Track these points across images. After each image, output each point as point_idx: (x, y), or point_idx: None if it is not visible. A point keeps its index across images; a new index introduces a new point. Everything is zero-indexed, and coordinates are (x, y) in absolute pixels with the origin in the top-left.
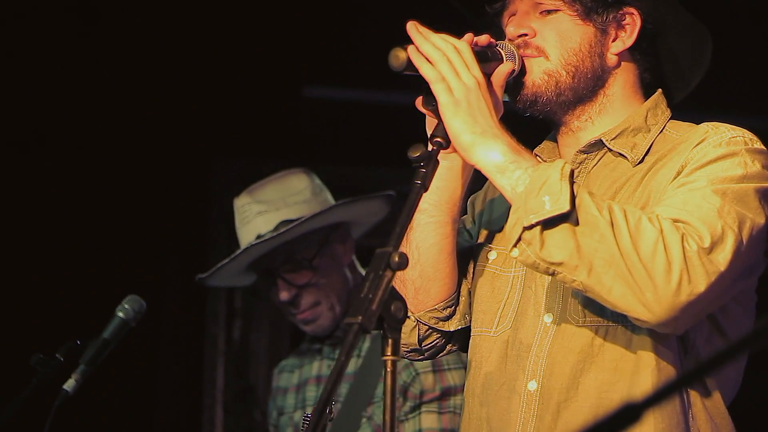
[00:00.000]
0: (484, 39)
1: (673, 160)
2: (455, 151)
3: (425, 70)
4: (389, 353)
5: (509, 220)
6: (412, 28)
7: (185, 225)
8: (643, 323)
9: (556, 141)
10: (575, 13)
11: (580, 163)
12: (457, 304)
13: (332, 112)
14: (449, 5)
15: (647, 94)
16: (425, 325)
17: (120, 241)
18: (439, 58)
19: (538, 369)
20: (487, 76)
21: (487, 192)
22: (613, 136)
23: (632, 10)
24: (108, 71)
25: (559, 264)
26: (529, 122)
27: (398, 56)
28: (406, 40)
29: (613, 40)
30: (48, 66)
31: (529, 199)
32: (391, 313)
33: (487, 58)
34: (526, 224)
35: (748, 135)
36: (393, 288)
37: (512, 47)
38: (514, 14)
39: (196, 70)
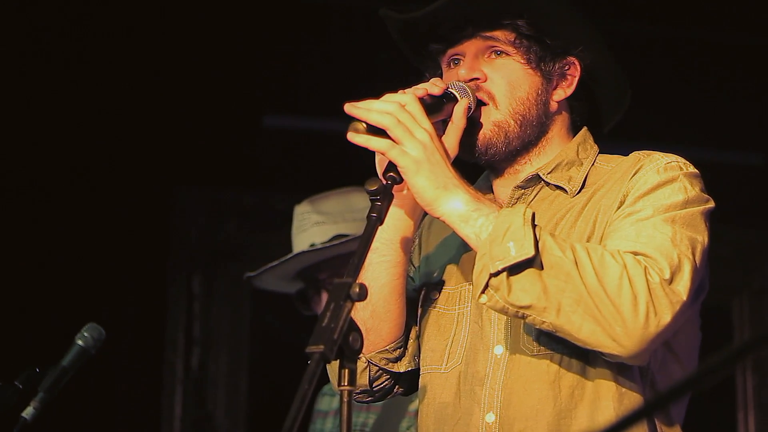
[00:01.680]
0: (437, 89)
1: (613, 190)
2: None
3: (375, 144)
4: (345, 383)
5: (475, 266)
6: (350, 108)
7: (145, 253)
8: (615, 357)
9: (489, 182)
10: (525, 61)
11: (517, 199)
12: (406, 345)
13: (292, 142)
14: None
15: (575, 133)
16: (376, 366)
17: (79, 268)
18: (390, 123)
19: (494, 401)
20: (443, 121)
21: (421, 235)
22: (549, 170)
23: (574, 60)
24: (68, 99)
25: (528, 307)
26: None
27: (358, 129)
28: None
29: (555, 88)
30: (9, 93)
31: (494, 245)
32: (349, 344)
33: (441, 104)
34: (492, 271)
35: (681, 160)
36: (351, 319)
37: (463, 84)
38: (461, 55)
39: (156, 99)
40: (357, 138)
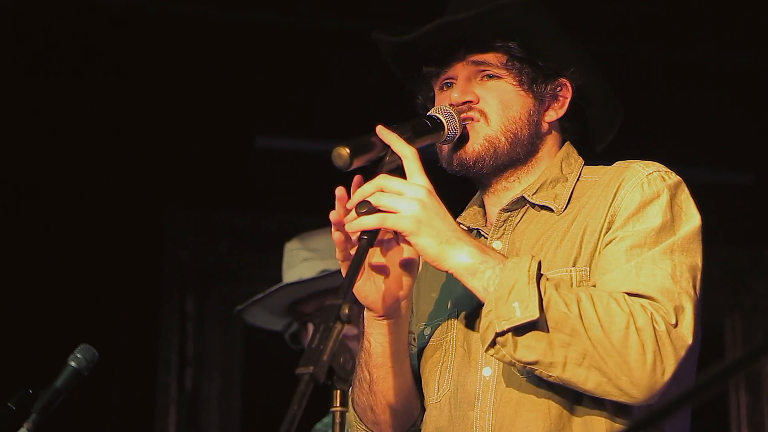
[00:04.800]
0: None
1: (597, 208)
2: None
3: (368, 223)
4: (337, 405)
5: (482, 321)
6: (348, 205)
7: (137, 274)
8: (623, 404)
9: (481, 202)
10: (517, 83)
11: (504, 221)
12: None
13: (284, 163)
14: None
15: None
16: None
17: (73, 289)
18: (376, 199)
19: (486, 423)
20: (429, 145)
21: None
22: (534, 191)
23: (566, 81)
24: (61, 120)
25: (535, 363)
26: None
27: (341, 154)
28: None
29: (546, 110)
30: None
31: (499, 304)
32: (340, 365)
33: (430, 129)
34: (498, 330)
35: (662, 168)
36: (342, 340)
37: (449, 109)
38: (453, 78)
39: (149, 120)
40: (351, 227)
